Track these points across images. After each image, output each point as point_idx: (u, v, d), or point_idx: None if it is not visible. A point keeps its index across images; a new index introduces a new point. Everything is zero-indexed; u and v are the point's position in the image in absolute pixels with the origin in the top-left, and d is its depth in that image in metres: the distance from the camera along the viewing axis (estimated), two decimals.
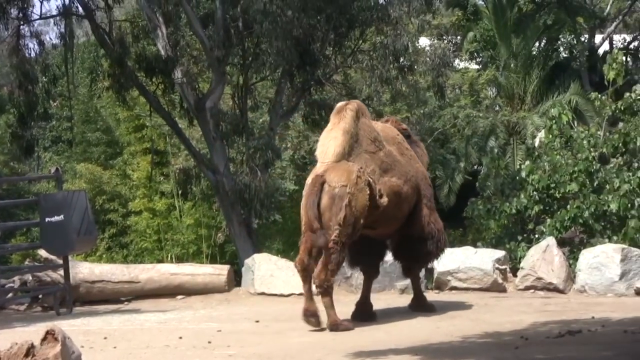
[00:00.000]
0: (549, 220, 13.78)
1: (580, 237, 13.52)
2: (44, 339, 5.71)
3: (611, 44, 32.66)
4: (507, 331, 8.93)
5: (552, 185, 14.04)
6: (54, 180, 17.20)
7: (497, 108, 27.67)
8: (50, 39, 25.65)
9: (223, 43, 17.63)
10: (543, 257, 12.35)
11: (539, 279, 12.25)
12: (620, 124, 15.64)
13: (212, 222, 23.45)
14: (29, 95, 18.08)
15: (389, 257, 10.90)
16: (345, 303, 10.30)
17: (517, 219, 14.38)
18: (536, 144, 16.19)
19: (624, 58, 20.74)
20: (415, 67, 20.25)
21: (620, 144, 14.51)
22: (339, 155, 9.65)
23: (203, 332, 9.69)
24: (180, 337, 9.31)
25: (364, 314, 10.02)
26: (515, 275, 12.71)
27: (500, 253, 12.74)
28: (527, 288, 12.32)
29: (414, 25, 20.26)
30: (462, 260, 12.45)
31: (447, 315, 10.22)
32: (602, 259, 11.98)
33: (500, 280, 12.36)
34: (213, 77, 18.49)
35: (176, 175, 23.39)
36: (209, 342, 8.91)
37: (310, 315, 9.39)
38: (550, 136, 15.07)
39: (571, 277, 12.27)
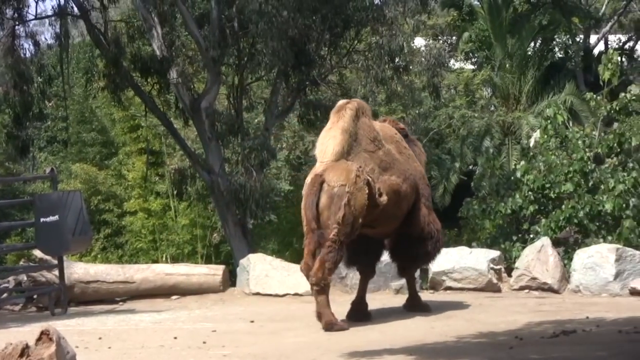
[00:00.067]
0: (543, 220, 13.78)
1: (575, 237, 13.53)
2: (38, 339, 5.70)
3: (606, 44, 32.69)
4: (501, 331, 8.92)
5: (547, 185, 14.04)
6: (49, 180, 17.21)
7: (492, 108, 27.73)
8: (46, 39, 25.55)
9: (218, 43, 17.63)
10: (538, 257, 12.34)
11: (534, 279, 12.24)
12: (615, 124, 15.64)
13: (207, 222, 23.46)
14: (24, 95, 18.09)
15: (384, 257, 10.88)
16: (340, 303, 10.26)
17: (512, 219, 14.38)
18: (531, 144, 16.20)
19: (619, 58, 20.80)
20: (411, 67, 20.28)
21: (615, 144, 14.51)
22: (338, 154, 9.61)
23: (198, 332, 9.67)
24: (175, 337, 9.31)
25: (359, 314, 10.00)
26: (510, 275, 12.69)
27: (495, 253, 12.72)
28: (521, 288, 12.30)
29: (409, 26, 20.30)
30: (457, 260, 12.43)
31: (441, 315, 10.20)
32: (596, 259, 11.97)
33: (495, 280, 12.35)
34: (208, 77, 18.50)
35: (171, 175, 23.39)
36: (204, 342, 8.90)
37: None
38: (546, 136, 15.07)
39: (566, 277, 12.27)
